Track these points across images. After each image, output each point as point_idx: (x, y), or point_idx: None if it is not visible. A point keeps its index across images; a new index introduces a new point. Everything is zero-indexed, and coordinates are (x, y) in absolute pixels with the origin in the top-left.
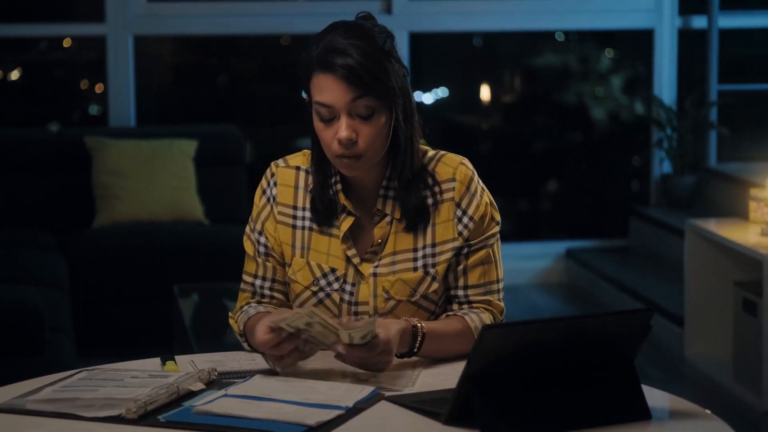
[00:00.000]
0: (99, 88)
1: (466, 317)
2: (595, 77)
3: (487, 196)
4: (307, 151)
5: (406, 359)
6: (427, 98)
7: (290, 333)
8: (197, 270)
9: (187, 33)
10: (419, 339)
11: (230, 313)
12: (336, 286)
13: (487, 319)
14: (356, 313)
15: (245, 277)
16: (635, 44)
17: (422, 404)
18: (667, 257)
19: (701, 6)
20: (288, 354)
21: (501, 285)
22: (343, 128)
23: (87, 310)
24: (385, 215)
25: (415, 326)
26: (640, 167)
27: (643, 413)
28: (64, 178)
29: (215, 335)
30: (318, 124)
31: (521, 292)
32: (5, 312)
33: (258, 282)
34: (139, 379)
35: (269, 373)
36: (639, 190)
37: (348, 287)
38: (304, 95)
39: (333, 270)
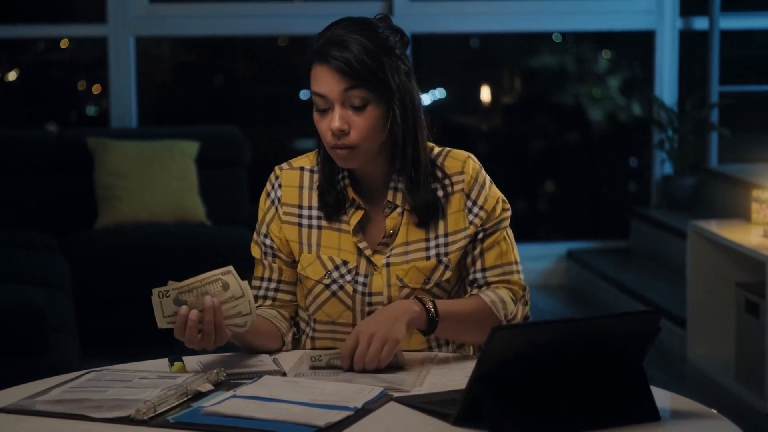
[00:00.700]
0: (96, 89)
1: (481, 294)
2: (593, 78)
3: (495, 188)
4: (311, 153)
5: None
6: (425, 99)
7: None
8: (199, 271)
9: (188, 34)
10: (431, 305)
11: None
12: (348, 278)
13: (505, 294)
14: (370, 304)
15: (253, 282)
16: (632, 45)
17: (431, 405)
18: (669, 258)
19: (702, 7)
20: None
21: (519, 267)
22: (335, 118)
23: (88, 311)
24: (396, 206)
25: (419, 298)
26: (637, 168)
27: (652, 414)
28: (65, 179)
29: None
30: (315, 115)
31: None
32: (9, 312)
33: (264, 284)
34: (148, 380)
35: (277, 373)
36: (637, 191)
37: (361, 278)
38: (309, 92)
39: (345, 262)
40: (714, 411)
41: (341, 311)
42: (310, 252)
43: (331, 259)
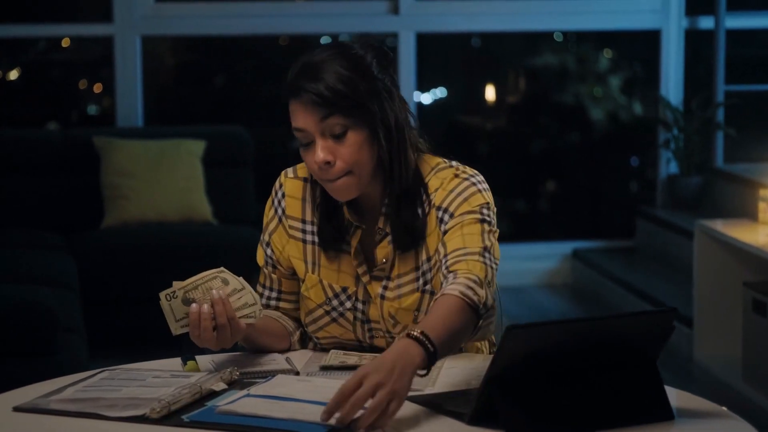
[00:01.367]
0: (98, 88)
1: (445, 292)
2: (594, 77)
3: (483, 198)
4: None
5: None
6: (426, 98)
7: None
8: (206, 270)
9: (195, 33)
10: (424, 336)
11: None
12: (348, 305)
13: (463, 279)
14: (370, 330)
15: (257, 287)
16: (633, 45)
17: (445, 404)
18: (674, 258)
19: (708, 7)
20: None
21: (483, 251)
22: (318, 151)
23: (96, 311)
24: (387, 234)
25: (408, 333)
26: (638, 168)
27: (666, 414)
28: (72, 179)
29: None
30: (301, 150)
31: (527, 292)
32: (19, 312)
33: (266, 293)
34: (161, 378)
35: (290, 372)
36: (641, 191)
37: (360, 306)
38: None
39: (344, 289)
40: (724, 409)
41: (342, 332)
42: (313, 272)
43: (331, 287)
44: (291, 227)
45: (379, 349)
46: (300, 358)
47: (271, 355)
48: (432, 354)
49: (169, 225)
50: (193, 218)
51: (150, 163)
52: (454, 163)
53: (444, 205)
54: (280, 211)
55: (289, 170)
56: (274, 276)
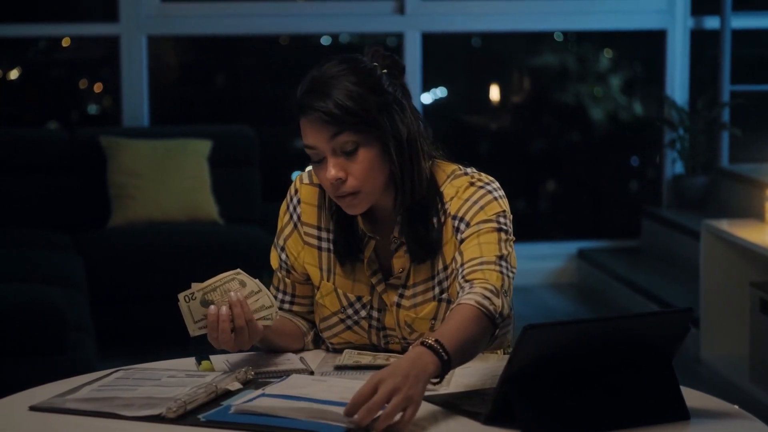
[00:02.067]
0: (98, 87)
1: (461, 301)
2: (594, 77)
3: (499, 206)
4: None
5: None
6: (426, 98)
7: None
8: (212, 270)
9: (201, 33)
10: (438, 345)
11: None
12: (363, 313)
13: (480, 289)
14: (386, 336)
15: (271, 289)
16: (634, 44)
17: (460, 404)
18: (680, 258)
19: (714, 7)
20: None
21: (499, 260)
22: (329, 168)
23: (102, 310)
24: (402, 244)
25: (423, 342)
26: (639, 167)
27: (682, 414)
28: (78, 178)
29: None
30: (313, 167)
31: (533, 292)
32: (29, 311)
33: (280, 296)
34: (177, 378)
35: (304, 372)
36: (643, 190)
37: (375, 313)
38: None
39: (359, 298)
40: (736, 407)
41: (357, 338)
42: (329, 280)
43: (346, 296)
44: (306, 234)
45: (393, 352)
46: (314, 357)
47: (285, 355)
48: (446, 362)
49: (176, 224)
50: (200, 218)
51: (156, 162)
52: (469, 170)
53: (460, 214)
54: (295, 218)
55: (304, 176)
56: (287, 281)
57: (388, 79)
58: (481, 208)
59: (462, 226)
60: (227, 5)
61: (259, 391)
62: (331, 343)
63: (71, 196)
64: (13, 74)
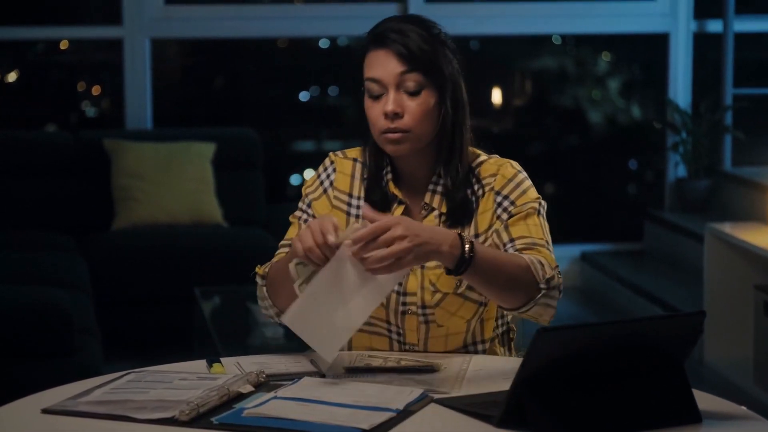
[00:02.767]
0: (96, 90)
1: (521, 253)
2: (593, 80)
3: (536, 193)
4: (361, 147)
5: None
6: None
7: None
8: (216, 272)
9: (205, 36)
10: (468, 243)
11: (258, 266)
12: None
13: (542, 258)
14: (404, 303)
15: (282, 242)
16: (632, 48)
17: (473, 406)
18: (683, 261)
19: (716, 10)
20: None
21: (550, 247)
22: (390, 101)
23: (106, 312)
24: (433, 209)
25: (459, 234)
26: (639, 170)
27: (694, 416)
28: (82, 181)
29: (239, 337)
30: (367, 102)
31: None
32: (36, 313)
33: None
34: (188, 381)
35: (316, 375)
36: (638, 193)
37: None
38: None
39: None
40: (743, 408)
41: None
42: None
43: None
44: (336, 198)
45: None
46: (324, 360)
47: (296, 357)
48: (464, 259)
49: (179, 227)
50: (203, 220)
51: (160, 165)
52: (495, 155)
53: (504, 192)
54: (327, 183)
55: (338, 152)
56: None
57: (452, 46)
58: (524, 191)
59: (506, 203)
60: (231, 8)
61: (271, 394)
62: None
63: (75, 199)
64: (11, 77)
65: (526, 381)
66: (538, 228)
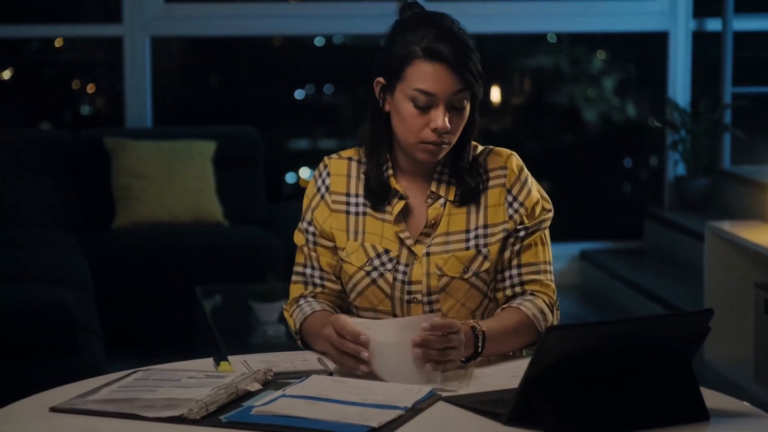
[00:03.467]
0: (91, 88)
1: (521, 307)
2: (587, 79)
3: (537, 187)
4: (356, 149)
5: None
6: None
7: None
8: (217, 271)
9: (205, 34)
10: (480, 338)
11: (284, 306)
12: (389, 266)
13: (542, 305)
14: (410, 293)
15: (296, 269)
16: (627, 46)
17: (481, 405)
18: (682, 259)
19: (716, 9)
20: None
21: (550, 267)
22: (440, 118)
23: (107, 311)
24: (439, 197)
25: (473, 327)
26: (634, 168)
27: (702, 414)
28: (83, 180)
29: (241, 336)
30: (410, 110)
31: None
32: (38, 312)
33: (308, 271)
34: (196, 379)
35: (323, 373)
36: (640, 192)
37: (401, 267)
38: (381, 80)
39: (387, 251)
40: (746, 403)
41: (381, 299)
42: (355, 240)
43: (374, 247)
44: (334, 201)
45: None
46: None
47: (302, 355)
48: (476, 353)
49: (180, 226)
50: (204, 219)
51: (161, 163)
52: (490, 146)
53: (514, 192)
54: (323, 189)
55: (332, 155)
56: (314, 254)
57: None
58: (529, 191)
59: (516, 204)
60: (231, 6)
61: (280, 392)
62: (356, 307)
63: (75, 198)
64: (6, 74)
65: (535, 379)
66: (544, 251)
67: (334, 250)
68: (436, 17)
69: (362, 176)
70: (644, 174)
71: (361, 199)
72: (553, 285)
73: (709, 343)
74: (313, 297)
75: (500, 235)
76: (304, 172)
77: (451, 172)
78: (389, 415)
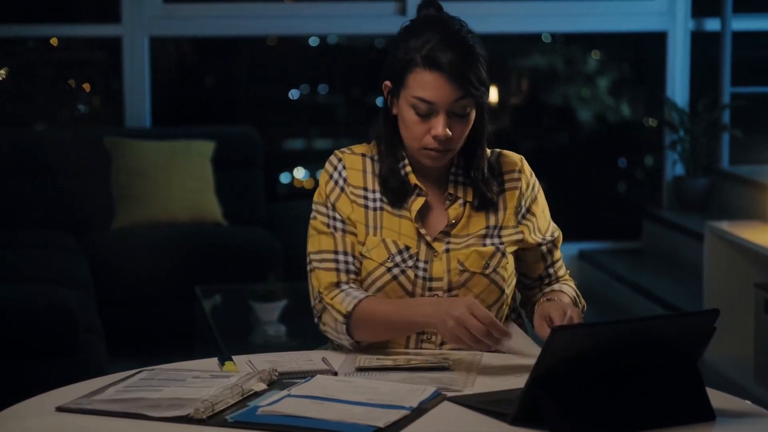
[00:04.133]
0: (86, 87)
1: (563, 289)
2: (582, 79)
3: (543, 195)
4: (366, 144)
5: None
6: None
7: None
8: (216, 271)
9: (204, 35)
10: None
11: (321, 291)
12: (410, 263)
13: (575, 286)
14: (431, 289)
15: (324, 255)
16: (621, 46)
17: (486, 404)
18: (681, 259)
19: (714, 9)
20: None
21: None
22: (440, 125)
23: (107, 311)
24: (457, 198)
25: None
26: (629, 168)
27: (707, 414)
28: (82, 179)
29: (241, 336)
30: (412, 117)
31: None
32: (40, 312)
33: (342, 257)
34: (201, 379)
35: (328, 373)
36: (639, 192)
37: (421, 264)
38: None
39: (407, 247)
40: (748, 402)
41: (400, 295)
42: (375, 234)
43: (395, 243)
44: (353, 194)
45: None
46: (336, 358)
47: (308, 355)
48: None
49: (180, 225)
50: (203, 219)
51: (160, 163)
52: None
53: (526, 197)
54: (341, 182)
55: (344, 149)
56: (347, 239)
57: (484, 51)
58: (536, 196)
59: (523, 211)
60: (231, 6)
61: (285, 392)
62: None
63: (75, 197)
64: (1, 74)
65: (540, 379)
66: (559, 252)
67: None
68: (442, 22)
69: (376, 173)
70: (639, 174)
71: (378, 195)
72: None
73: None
74: (353, 282)
75: (513, 237)
76: (299, 172)
77: (465, 173)
78: (395, 415)
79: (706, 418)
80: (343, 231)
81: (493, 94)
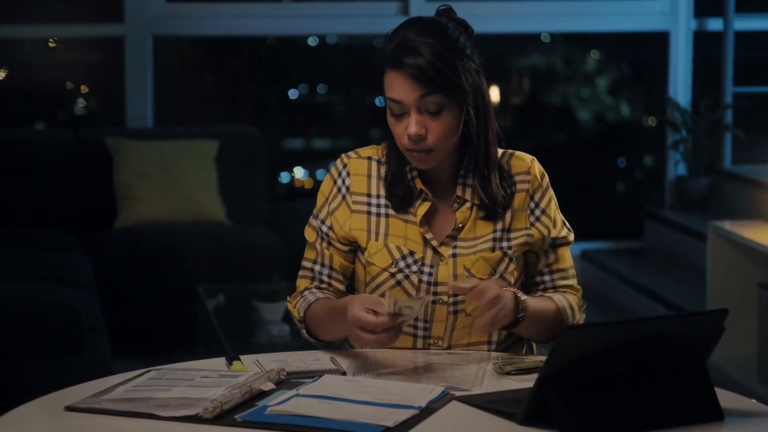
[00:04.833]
0: (84, 88)
1: (553, 297)
2: (581, 79)
3: (554, 198)
4: (376, 146)
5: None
6: None
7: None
8: (219, 271)
9: (207, 34)
10: (521, 309)
11: (288, 298)
12: (414, 268)
13: (574, 301)
14: (435, 294)
15: (304, 263)
16: (620, 46)
17: (495, 404)
18: (683, 259)
19: (717, 8)
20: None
21: (574, 271)
22: (412, 124)
23: (110, 311)
24: (465, 201)
25: (518, 298)
26: (628, 168)
27: (716, 414)
28: (85, 179)
29: (245, 335)
30: (390, 119)
31: None
32: (45, 312)
33: (317, 267)
34: (210, 378)
35: (336, 372)
36: (641, 192)
37: (426, 269)
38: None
39: (411, 252)
40: (753, 401)
41: (405, 299)
42: (377, 240)
43: (399, 249)
44: (355, 202)
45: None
46: (344, 357)
47: (314, 354)
48: (516, 322)
49: (182, 225)
50: (206, 219)
51: (163, 163)
52: (510, 150)
53: (536, 199)
54: (344, 190)
55: (350, 153)
56: (327, 252)
57: (468, 43)
58: (549, 199)
59: (537, 212)
60: (234, 6)
61: (293, 392)
62: None
63: (77, 198)
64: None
65: (549, 378)
66: (570, 257)
67: (348, 252)
68: (419, 22)
69: (382, 177)
70: (639, 174)
71: (382, 200)
72: (580, 289)
73: None
74: (318, 289)
75: (522, 239)
76: (298, 172)
77: (474, 176)
78: (403, 415)
79: (715, 418)
80: (328, 243)
81: (494, 94)
